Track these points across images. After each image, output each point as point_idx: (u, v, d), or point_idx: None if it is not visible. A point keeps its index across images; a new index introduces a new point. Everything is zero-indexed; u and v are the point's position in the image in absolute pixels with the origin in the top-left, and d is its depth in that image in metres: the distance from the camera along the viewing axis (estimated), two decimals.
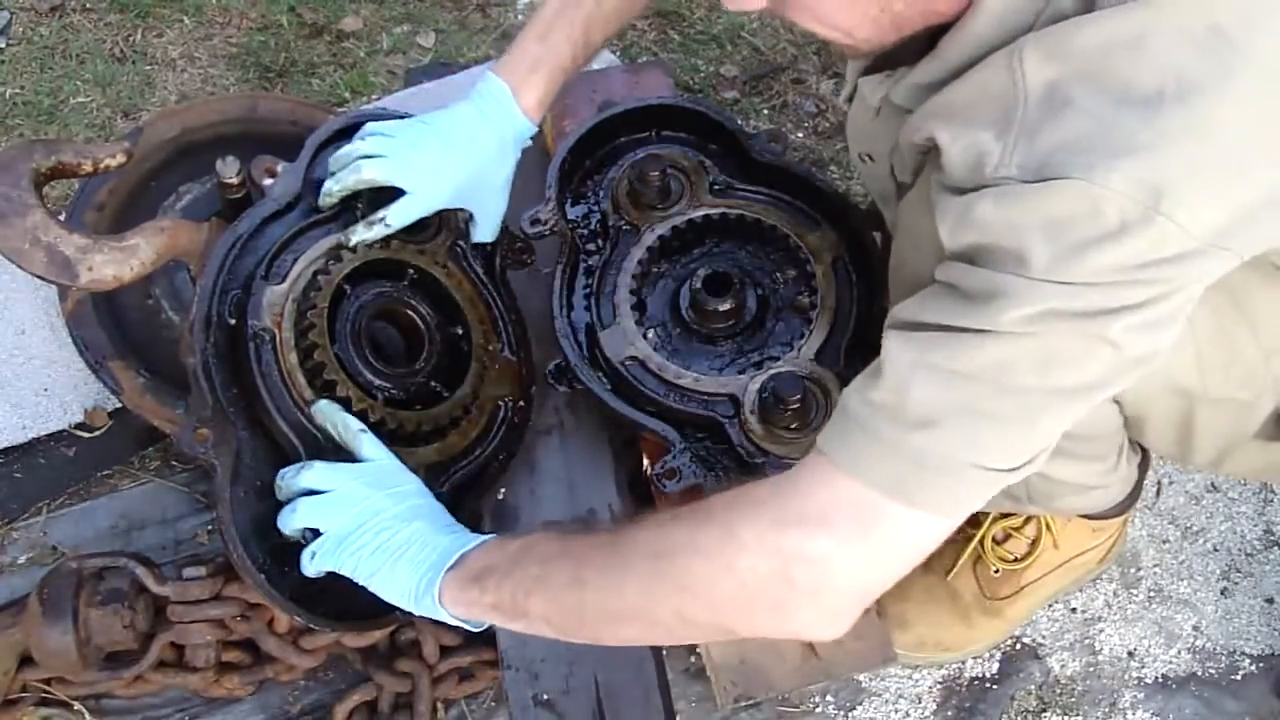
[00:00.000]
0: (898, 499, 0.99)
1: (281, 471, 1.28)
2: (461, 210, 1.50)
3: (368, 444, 1.28)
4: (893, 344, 1.03)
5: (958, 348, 0.97)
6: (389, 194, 1.39)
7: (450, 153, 1.42)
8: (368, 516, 1.22)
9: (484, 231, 1.52)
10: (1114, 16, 0.94)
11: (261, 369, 1.29)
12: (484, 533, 1.50)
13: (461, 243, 1.51)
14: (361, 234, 1.38)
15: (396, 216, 1.39)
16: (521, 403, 1.52)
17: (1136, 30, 0.94)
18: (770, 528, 1.01)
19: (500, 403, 1.49)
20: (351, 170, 1.37)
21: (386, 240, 1.41)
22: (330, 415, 1.29)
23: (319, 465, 1.25)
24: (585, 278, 1.55)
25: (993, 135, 0.96)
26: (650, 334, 1.51)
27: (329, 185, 1.39)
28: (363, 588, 1.23)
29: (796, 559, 1.00)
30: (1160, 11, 0.94)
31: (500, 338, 1.52)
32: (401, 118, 1.48)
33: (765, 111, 2.29)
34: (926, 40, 1.07)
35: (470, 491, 1.46)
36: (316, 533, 1.23)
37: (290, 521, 1.24)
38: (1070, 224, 0.92)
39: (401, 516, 1.23)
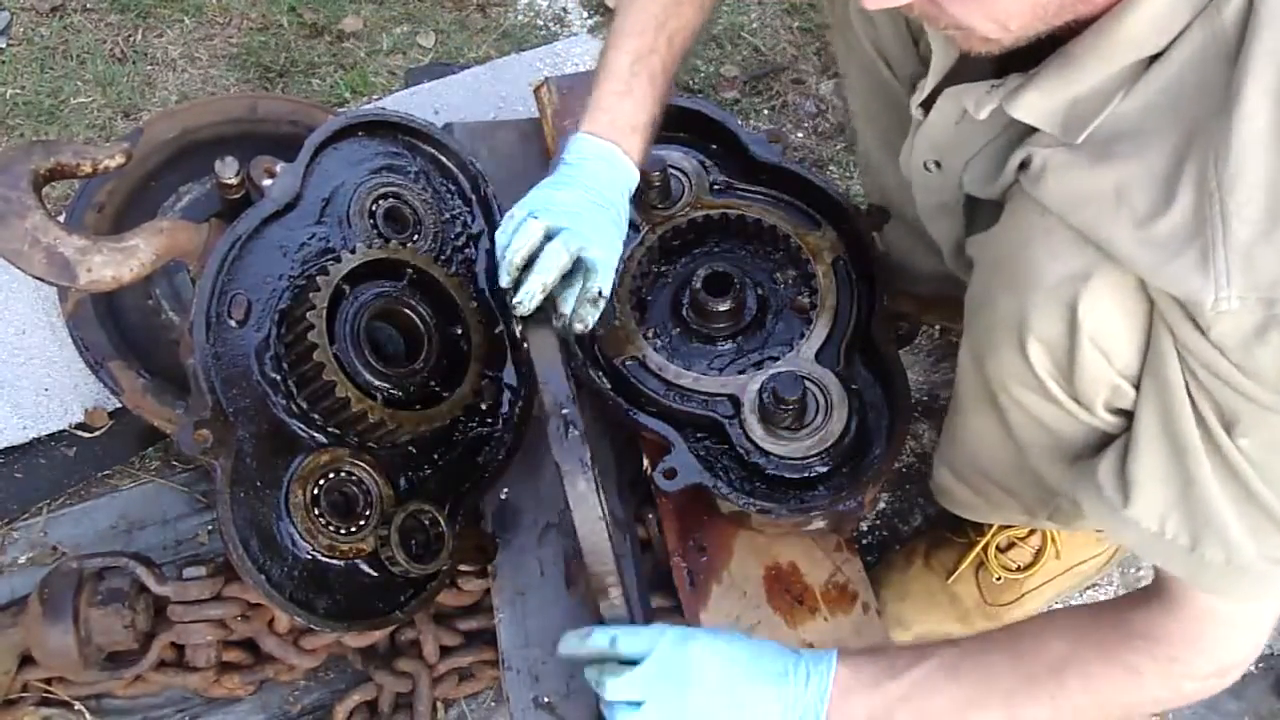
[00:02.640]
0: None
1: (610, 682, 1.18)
2: None
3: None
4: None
5: None
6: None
7: (619, 221, 1.36)
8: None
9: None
10: None
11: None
12: (489, 534, 1.52)
13: None
14: (594, 316, 1.33)
15: (608, 285, 1.33)
16: None
17: None
18: (1211, 675, 1.14)
19: None
20: (560, 253, 1.27)
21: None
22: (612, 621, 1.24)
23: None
24: None
25: (1193, 264, 0.94)
26: (650, 334, 1.52)
27: (538, 279, 1.26)
28: (361, 587, 1.22)
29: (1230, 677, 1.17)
30: None
31: None
32: (416, 124, 1.49)
33: (765, 112, 2.29)
34: (1043, 43, 1.02)
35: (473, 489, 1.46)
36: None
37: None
38: None
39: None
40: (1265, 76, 0.89)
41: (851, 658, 1.17)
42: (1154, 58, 0.98)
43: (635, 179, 1.37)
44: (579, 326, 1.32)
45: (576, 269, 1.31)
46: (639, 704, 1.16)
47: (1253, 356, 0.94)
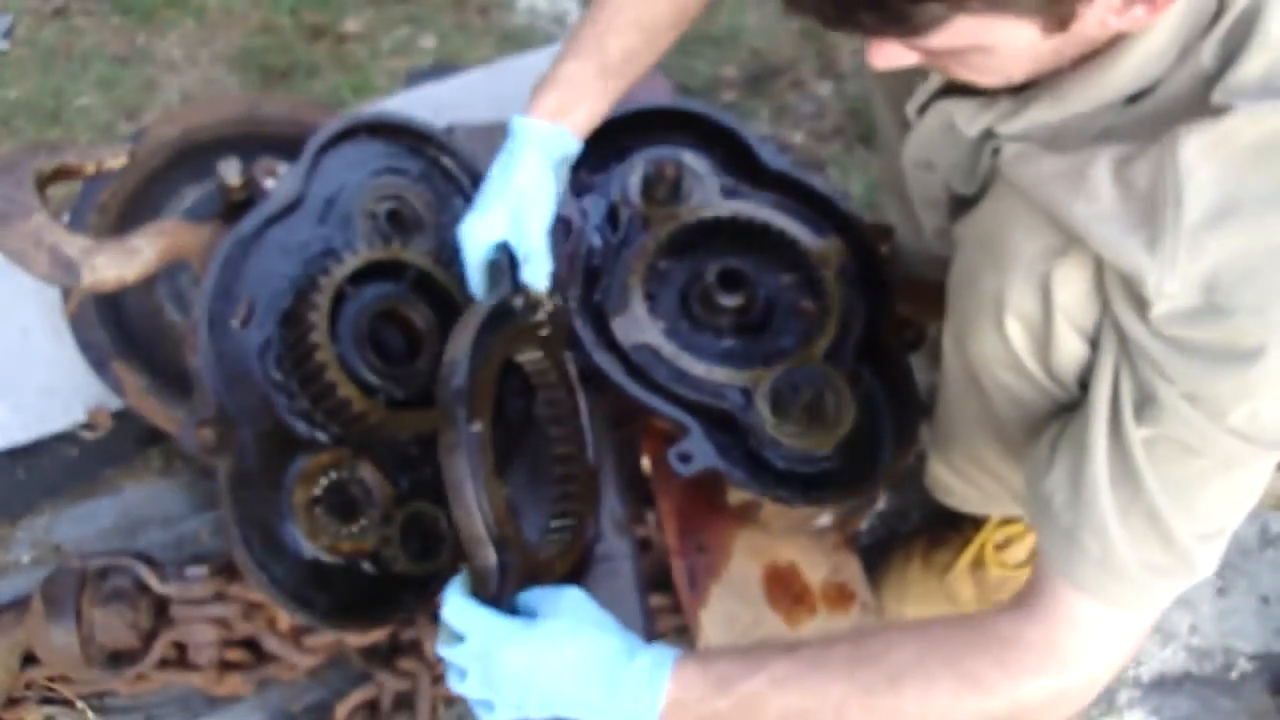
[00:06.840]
0: (1150, 613, 1.09)
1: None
2: None
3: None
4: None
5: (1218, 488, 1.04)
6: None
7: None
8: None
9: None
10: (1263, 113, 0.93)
11: None
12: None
13: None
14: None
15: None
16: None
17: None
18: (1055, 694, 1.09)
19: None
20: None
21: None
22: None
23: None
24: (594, 260, 1.56)
25: (1142, 244, 0.96)
26: (662, 326, 1.51)
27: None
28: (363, 586, 1.23)
29: (1090, 688, 1.11)
30: None
31: None
32: (417, 126, 1.52)
33: (765, 113, 2.30)
34: None
35: None
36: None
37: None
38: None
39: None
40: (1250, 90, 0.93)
41: (686, 670, 1.08)
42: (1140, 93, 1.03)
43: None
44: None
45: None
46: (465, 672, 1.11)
47: (1183, 339, 0.96)
